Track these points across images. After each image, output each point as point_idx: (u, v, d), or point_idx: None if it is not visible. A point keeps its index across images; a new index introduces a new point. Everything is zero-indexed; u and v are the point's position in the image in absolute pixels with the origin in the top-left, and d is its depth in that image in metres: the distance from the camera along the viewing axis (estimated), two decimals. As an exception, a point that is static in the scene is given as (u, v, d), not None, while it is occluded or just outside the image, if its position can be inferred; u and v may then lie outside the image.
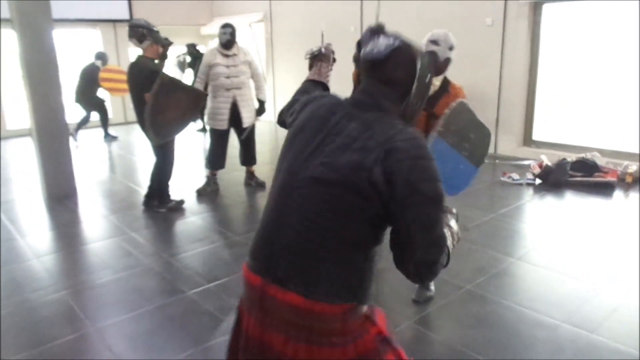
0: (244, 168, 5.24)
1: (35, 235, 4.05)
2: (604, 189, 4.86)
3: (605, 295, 2.89)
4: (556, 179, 4.97)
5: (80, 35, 9.31)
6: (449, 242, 1.36)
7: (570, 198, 4.73)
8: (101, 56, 7.88)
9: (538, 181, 5.11)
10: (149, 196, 4.54)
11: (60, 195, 4.96)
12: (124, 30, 9.25)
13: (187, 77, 7.82)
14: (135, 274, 3.31)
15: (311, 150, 1.28)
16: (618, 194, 4.77)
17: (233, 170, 5.46)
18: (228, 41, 4.70)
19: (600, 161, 5.26)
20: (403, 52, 1.32)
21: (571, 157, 5.32)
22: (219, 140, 4.89)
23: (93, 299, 3.01)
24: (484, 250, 3.55)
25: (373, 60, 1.32)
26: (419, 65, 1.31)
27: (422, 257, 1.21)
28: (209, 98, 4.76)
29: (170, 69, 4.56)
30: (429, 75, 1.35)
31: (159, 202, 4.50)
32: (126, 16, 9.38)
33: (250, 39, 9.38)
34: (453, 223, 1.48)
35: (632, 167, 5.02)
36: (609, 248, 3.56)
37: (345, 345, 1.26)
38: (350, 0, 7.65)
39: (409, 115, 1.34)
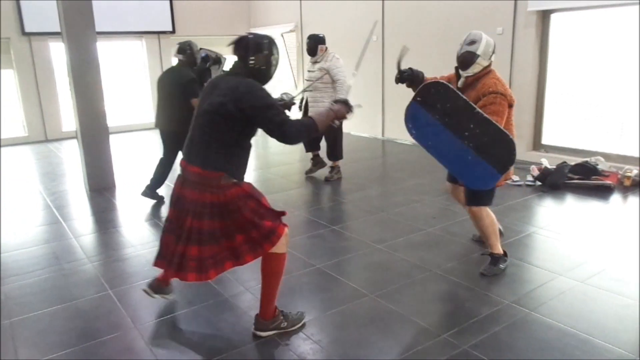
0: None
1: (76, 220, 4.71)
2: (602, 192, 5.01)
3: (572, 286, 3.16)
4: (553, 181, 5.17)
5: (126, 46, 10.19)
6: (328, 117, 2.54)
7: (567, 199, 4.93)
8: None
9: (538, 183, 5.32)
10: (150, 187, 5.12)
11: (100, 188, 5.65)
12: (167, 41, 10.16)
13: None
14: (153, 251, 3.86)
15: (206, 98, 2.42)
16: (616, 197, 4.91)
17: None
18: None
19: (604, 165, 5.40)
20: (247, 40, 2.44)
21: (576, 160, 5.49)
22: None
23: (116, 270, 3.58)
24: (459, 240, 3.87)
25: (232, 45, 2.47)
26: (259, 47, 2.42)
27: (279, 131, 2.35)
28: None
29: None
30: (266, 54, 2.44)
31: (149, 189, 5.10)
32: (169, 28, 10.20)
33: (283, 49, 9.97)
34: (337, 106, 2.57)
35: (632, 171, 5.15)
36: (596, 247, 3.74)
37: (219, 194, 2.37)
38: (372, 10, 8.07)
39: (257, 76, 2.44)
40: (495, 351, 2.46)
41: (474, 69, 3.08)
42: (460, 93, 2.93)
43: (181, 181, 2.48)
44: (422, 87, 2.98)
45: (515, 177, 5.46)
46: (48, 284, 3.35)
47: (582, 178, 5.17)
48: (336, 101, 2.61)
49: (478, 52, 3.03)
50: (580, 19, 5.83)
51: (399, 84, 3.41)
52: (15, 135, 9.21)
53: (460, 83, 3.20)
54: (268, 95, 2.37)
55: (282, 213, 2.54)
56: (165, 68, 10.16)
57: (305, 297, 3.10)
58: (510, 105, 3.06)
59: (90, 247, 4.07)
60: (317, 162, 6.08)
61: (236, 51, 2.45)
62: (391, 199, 5.08)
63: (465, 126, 2.85)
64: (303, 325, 2.73)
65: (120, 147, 8.01)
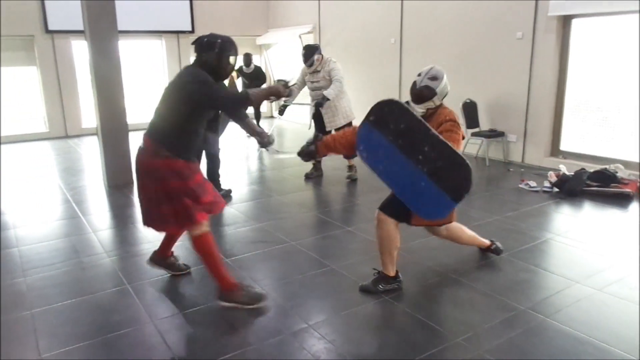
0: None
1: (95, 215, 4.79)
2: (621, 200, 4.95)
3: (589, 294, 3.14)
4: (571, 187, 5.12)
5: (146, 45, 10.33)
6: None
7: (585, 206, 4.87)
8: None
9: (555, 189, 5.27)
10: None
11: (119, 184, 5.74)
12: (186, 40, 10.28)
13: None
14: (169, 248, 3.92)
15: (168, 86, 2.88)
16: (635, 205, 4.84)
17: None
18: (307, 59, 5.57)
19: (623, 173, 5.33)
20: (203, 39, 2.87)
21: (595, 167, 5.43)
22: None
23: (133, 265, 3.63)
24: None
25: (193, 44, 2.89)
26: (211, 46, 2.83)
27: (215, 103, 2.88)
28: None
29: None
30: (217, 52, 2.83)
31: None
32: (189, 27, 10.32)
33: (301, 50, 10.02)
34: (275, 86, 3.07)
35: (653, 179, 5.08)
36: (614, 255, 3.69)
37: (154, 160, 2.82)
38: (391, 14, 8.08)
39: (211, 72, 2.81)
40: (510, 357, 2.45)
41: (427, 105, 2.95)
42: (414, 112, 2.76)
43: (140, 150, 2.92)
44: (375, 105, 2.79)
45: (533, 183, 5.42)
46: (68, 277, 3.42)
47: (600, 185, 5.12)
48: (278, 81, 2.92)
49: (437, 90, 2.91)
50: (602, 25, 5.77)
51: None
52: (37, 130, 9.40)
53: None
54: (207, 79, 2.75)
55: (202, 212, 2.87)
56: (183, 67, 10.34)
57: (319, 297, 3.12)
58: (463, 137, 2.98)
59: (109, 242, 4.14)
60: (317, 169, 6.10)
61: (195, 49, 2.88)
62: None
63: (419, 149, 2.67)
64: (260, 304, 2.93)
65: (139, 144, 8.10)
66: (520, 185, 5.48)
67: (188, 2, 10.24)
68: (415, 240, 3.96)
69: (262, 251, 3.86)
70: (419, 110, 2.94)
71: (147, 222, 3.01)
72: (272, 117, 11.82)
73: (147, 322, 2.82)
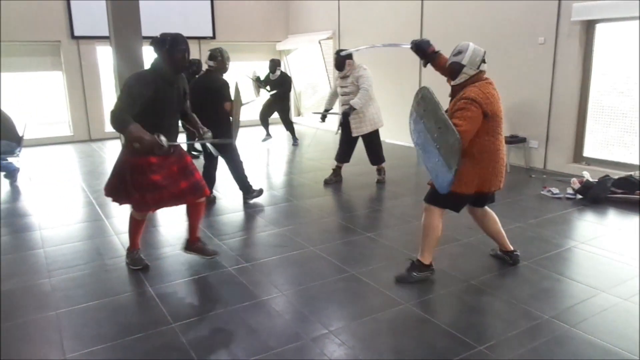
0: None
1: (117, 217, 4.87)
2: (647, 207, 4.84)
3: (615, 303, 3.07)
4: (595, 194, 5.03)
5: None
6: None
7: (609, 214, 4.78)
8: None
9: (579, 196, 5.18)
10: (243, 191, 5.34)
11: (141, 187, 5.81)
12: (207, 46, 10.39)
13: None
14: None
15: None
16: (662, 213, 4.73)
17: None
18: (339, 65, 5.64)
19: (649, 180, 5.22)
20: (157, 38, 3.16)
21: (619, 174, 5.33)
22: (342, 140, 6.02)
23: (155, 267, 3.67)
24: (504, 260, 3.79)
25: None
26: (162, 44, 3.14)
27: (111, 111, 3.06)
28: None
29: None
30: (167, 48, 3.13)
31: (245, 194, 5.30)
32: (210, 34, 10.44)
33: (320, 55, 10.06)
34: (148, 137, 3.07)
35: (680, 187, 4.95)
36: (636, 262, 3.63)
37: (125, 154, 3.27)
38: (411, 20, 8.06)
39: (166, 66, 3.17)
40: (533, 366, 2.41)
41: (461, 79, 3.14)
42: (434, 98, 3.00)
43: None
44: (418, 91, 3.15)
45: (555, 190, 5.34)
46: (91, 279, 3.48)
47: (625, 192, 5.01)
48: (158, 135, 3.10)
49: (463, 62, 3.10)
50: (627, 29, 5.66)
51: None
52: (62, 134, 9.60)
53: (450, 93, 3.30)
54: (132, 84, 3.06)
55: (148, 206, 3.32)
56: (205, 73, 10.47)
57: (340, 303, 3.11)
58: (486, 115, 3.03)
59: (131, 245, 4.20)
60: (337, 174, 6.08)
61: (153, 48, 3.19)
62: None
63: (435, 128, 2.97)
64: (135, 267, 3.60)
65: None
66: (542, 192, 5.40)
67: (210, 8, 10.37)
68: (437, 247, 3.93)
69: (282, 256, 3.87)
70: (455, 83, 3.18)
71: (107, 192, 3.46)
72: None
73: (169, 325, 2.85)
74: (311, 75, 11.06)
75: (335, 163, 6.10)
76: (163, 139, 3.12)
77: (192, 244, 3.73)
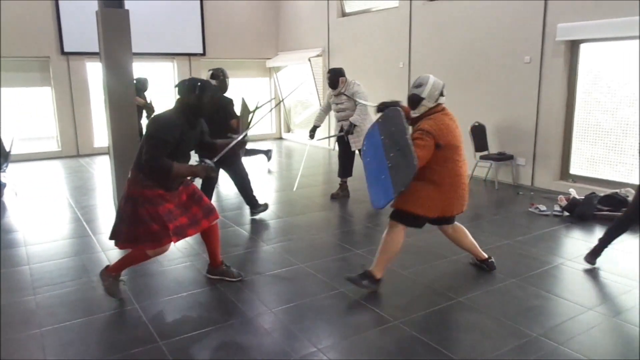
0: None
1: (105, 234, 4.79)
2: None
3: (602, 321, 3.09)
4: (582, 211, 5.09)
5: (158, 67, 10.49)
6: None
7: (596, 231, 4.82)
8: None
9: (566, 213, 5.24)
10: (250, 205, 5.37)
11: (129, 203, 5.77)
12: (197, 63, 10.46)
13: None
14: (178, 268, 3.93)
15: None
16: (647, 230, 4.79)
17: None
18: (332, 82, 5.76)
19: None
20: (185, 83, 3.19)
21: (605, 192, 5.40)
22: (340, 156, 6.19)
23: (142, 284, 3.63)
24: (485, 269, 3.81)
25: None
26: (191, 89, 3.15)
27: (144, 159, 3.07)
28: None
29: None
30: (198, 94, 3.14)
31: (251, 209, 5.32)
32: (200, 50, 10.49)
33: (309, 72, 10.14)
34: (197, 167, 3.18)
35: (665, 205, 5.02)
36: (627, 281, 3.65)
37: (144, 190, 3.12)
38: (399, 39, 8.19)
39: (191, 109, 3.18)
40: (522, 384, 2.40)
41: (420, 110, 3.30)
42: (402, 119, 3.20)
43: (128, 179, 3.26)
44: (387, 110, 3.34)
45: (543, 207, 5.39)
46: (77, 296, 3.43)
47: (611, 210, 5.08)
48: (200, 162, 3.18)
49: (422, 95, 3.26)
50: (610, 49, 5.80)
51: None
52: (49, 149, 9.52)
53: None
54: (161, 130, 3.06)
55: (169, 235, 3.14)
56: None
57: (328, 321, 3.10)
58: (438, 145, 3.19)
59: (118, 262, 4.15)
60: (343, 189, 6.16)
61: (177, 91, 3.22)
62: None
63: (394, 148, 3.12)
64: (110, 297, 3.34)
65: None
66: (530, 209, 5.45)
67: (200, 25, 10.44)
68: (425, 264, 3.94)
69: (271, 273, 3.85)
70: (414, 114, 3.35)
71: (112, 236, 3.29)
72: (280, 138, 11.91)
73: (155, 343, 2.81)
74: (301, 93, 11.13)
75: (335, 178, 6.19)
76: (208, 161, 3.19)
77: (216, 267, 3.68)
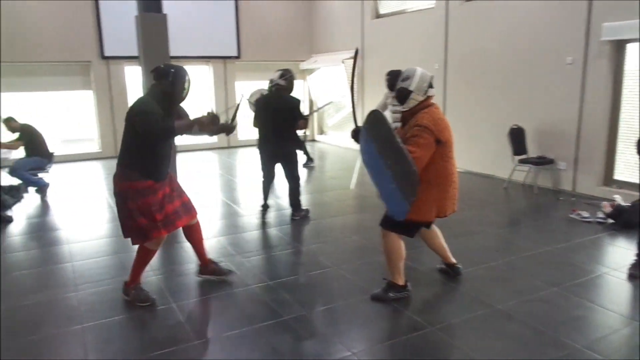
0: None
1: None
2: (683, 232, 4.66)
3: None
4: (628, 219, 4.87)
5: (194, 70, 10.67)
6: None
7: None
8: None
9: (610, 221, 5.03)
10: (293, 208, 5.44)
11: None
12: (232, 66, 10.60)
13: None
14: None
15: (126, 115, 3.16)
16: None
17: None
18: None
19: (684, 204, 5.04)
20: (160, 68, 3.17)
21: (652, 198, 5.17)
22: None
23: (178, 283, 3.69)
24: (524, 276, 3.70)
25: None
26: (165, 74, 3.13)
27: (158, 136, 3.08)
28: None
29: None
30: (171, 80, 3.14)
31: (294, 210, 5.38)
32: (235, 53, 10.63)
33: (343, 74, 10.13)
34: (202, 118, 3.17)
35: None
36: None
37: (118, 182, 3.17)
38: (435, 40, 8.07)
39: (166, 95, 3.15)
40: (565, 398, 2.31)
41: (409, 104, 3.16)
42: (387, 122, 3.02)
43: (114, 177, 3.25)
44: (368, 115, 3.13)
45: (585, 213, 5.20)
46: (116, 293, 3.51)
47: (659, 217, 4.84)
48: (208, 113, 3.14)
49: (410, 88, 3.11)
50: (659, 50, 5.55)
51: None
52: (90, 150, 9.84)
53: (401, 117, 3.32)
54: (143, 105, 3.03)
55: (157, 227, 3.16)
56: (229, 91, 10.66)
57: (362, 326, 3.06)
58: (438, 141, 3.05)
59: (155, 261, 4.19)
60: None
61: (153, 77, 3.18)
62: (450, 229, 4.95)
63: (388, 155, 2.96)
64: (145, 304, 3.28)
65: (185, 165, 8.34)
66: (571, 215, 5.26)
67: (235, 28, 10.58)
68: (462, 271, 3.86)
69: (305, 275, 3.85)
70: (401, 108, 3.22)
71: (125, 234, 3.29)
72: (313, 140, 11.93)
73: (192, 342, 2.85)
74: (334, 95, 11.12)
75: (367, 179, 6.21)
76: (213, 108, 3.22)
77: (205, 267, 3.71)
